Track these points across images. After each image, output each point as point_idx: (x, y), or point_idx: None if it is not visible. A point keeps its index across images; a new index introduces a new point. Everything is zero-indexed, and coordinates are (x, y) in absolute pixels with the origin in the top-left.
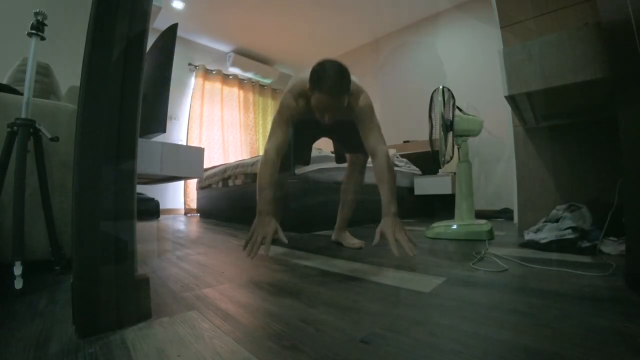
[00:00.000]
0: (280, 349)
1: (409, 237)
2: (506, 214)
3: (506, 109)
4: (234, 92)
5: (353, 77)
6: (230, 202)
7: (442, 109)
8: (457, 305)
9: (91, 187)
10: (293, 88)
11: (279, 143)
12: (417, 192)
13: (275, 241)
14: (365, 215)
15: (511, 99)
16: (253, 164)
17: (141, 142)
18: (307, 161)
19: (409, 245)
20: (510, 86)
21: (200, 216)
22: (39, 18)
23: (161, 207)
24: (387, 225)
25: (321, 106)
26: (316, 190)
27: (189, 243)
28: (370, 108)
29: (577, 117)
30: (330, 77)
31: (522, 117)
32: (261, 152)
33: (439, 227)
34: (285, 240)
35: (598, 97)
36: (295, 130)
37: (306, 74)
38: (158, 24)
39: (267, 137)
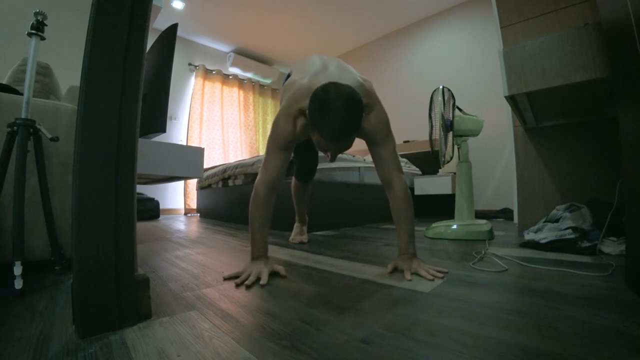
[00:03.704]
0: (280, 349)
1: (430, 269)
2: (506, 214)
3: (506, 109)
4: (234, 92)
5: (365, 84)
6: (230, 202)
7: (442, 109)
8: (457, 305)
9: (91, 187)
10: (291, 104)
11: (271, 177)
12: (417, 192)
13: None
14: (365, 216)
15: (511, 99)
16: (253, 164)
17: (141, 142)
18: (312, 175)
19: (429, 276)
20: (510, 86)
21: (200, 216)
22: (39, 18)
23: (161, 207)
24: (405, 261)
25: (323, 147)
26: (316, 190)
27: (189, 243)
28: (385, 126)
29: (577, 117)
30: (336, 123)
31: (522, 117)
32: (261, 152)
33: (439, 227)
34: (284, 274)
35: (598, 97)
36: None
37: (306, 83)
38: (158, 24)
39: (266, 141)
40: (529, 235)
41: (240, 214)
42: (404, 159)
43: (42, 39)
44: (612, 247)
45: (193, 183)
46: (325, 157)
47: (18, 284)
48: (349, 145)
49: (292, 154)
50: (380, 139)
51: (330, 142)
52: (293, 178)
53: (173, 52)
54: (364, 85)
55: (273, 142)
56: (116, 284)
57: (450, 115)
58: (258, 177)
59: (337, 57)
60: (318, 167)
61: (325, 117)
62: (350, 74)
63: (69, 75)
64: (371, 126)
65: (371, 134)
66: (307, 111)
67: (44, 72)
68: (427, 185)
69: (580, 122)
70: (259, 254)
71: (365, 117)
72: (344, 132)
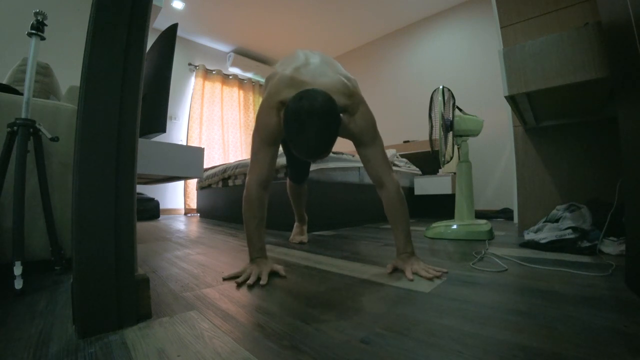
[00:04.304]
0: (280, 349)
1: (430, 268)
2: (506, 214)
3: (506, 109)
4: (234, 92)
5: (348, 83)
6: (230, 202)
7: (442, 109)
8: (457, 305)
9: (91, 187)
10: (273, 96)
11: (262, 175)
12: (417, 192)
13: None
14: (365, 216)
15: (511, 99)
16: None
17: (141, 142)
18: (305, 175)
19: (429, 275)
20: (510, 86)
21: (200, 216)
22: (39, 18)
23: (161, 207)
24: (404, 261)
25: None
26: (316, 191)
27: (189, 243)
28: (371, 126)
29: (577, 117)
30: (310, 144)
31: (522, 117)
32: None
33: (439, 227)
34: (283, 274)
35: (598, 97)
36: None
37: (288, 74)
38: (158, 24)
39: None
40: (529, 235)
41: (240, 214)
42: (404, 159)
43: (42, 39)
44: (612, 247)
45: (193, 183)
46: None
47: (18, 284)
48: (327, 154)
49: (285, 157)
50: (367, 140)
51: (307, 158)
52: (287, 179)
53: (173, 52)
54: (347, 85)
55: (258, 137)
56: (116, 284)
57: (450, 115)
58: (248, 177)
59: (335, 57)
60: (318, 167)
61: (299, 137)
62: (332, 71)
63: (69, 75)
64: (357, 127)
65: (357, 135)
66: (289, 93)
67: (44, 72)
68: (427, 185)
69: (580, 122)
70: (257, 255)
71: (350, 118)
72: (318, 152)
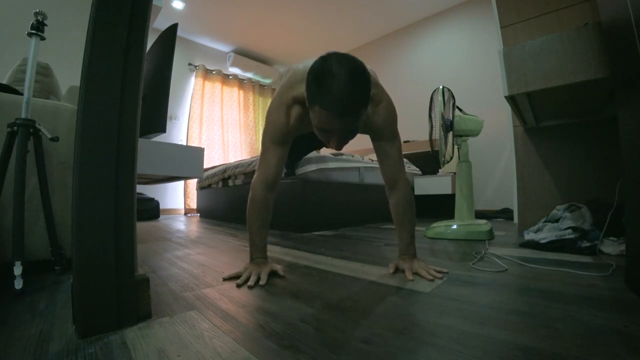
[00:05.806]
0: (280, 348)
1: (430, 269)
2: (506, 214)
3: (506, 109)
4: (234, 92)
5: (372, 73)
6: (230, 202)
7: (442, 109)
8: (457, 305)
9: (91, 187)
10: (284, 92)
11: (269, 175)
12: (417, 192)
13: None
14: (365, 216)
15: (511, 99)
16: (252, 164)
17: (141, 142)
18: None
19: (430, 275)
20: (510, 86)
21: (200, 216)
22: (39, 18)
23: (161, 207)
24: (406, 262)
25: (324, 127)
26: (316, 190)
27: (189, 243)
28: (394, 120)
29: (577, 117)
30: (340, 89)
31: (522, 117)
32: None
33: (439, 227)
34: (282, 274)
35: (598, 97)
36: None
37: (302, 68)
38: (158, 24)
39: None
40: (529, 235)
41: (240, 214)
42: (404, 159)
43: (42, 39)
44: (612, 247)
45: (193, 183)
46: (326, 157)
47: (18, 284)
48: (355, 127)
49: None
50: (388, 135)
51: (335, 117)
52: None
53: (173, 52)
54: (370, 75)
55: (267, 136)
56: (116, 284)
57: (450, 115)
58: (255, 176)
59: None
60: (318, 168)
61: (328, 85)
62: None
63: (69, 75)
64: (381, 119)
65: (379, 129)
66: (304, 94)
67: (44, 72)
68: (427, 185)
69: (580, 122)
70: (258, 255)
71: (374, 108)
72: (352, 102)
